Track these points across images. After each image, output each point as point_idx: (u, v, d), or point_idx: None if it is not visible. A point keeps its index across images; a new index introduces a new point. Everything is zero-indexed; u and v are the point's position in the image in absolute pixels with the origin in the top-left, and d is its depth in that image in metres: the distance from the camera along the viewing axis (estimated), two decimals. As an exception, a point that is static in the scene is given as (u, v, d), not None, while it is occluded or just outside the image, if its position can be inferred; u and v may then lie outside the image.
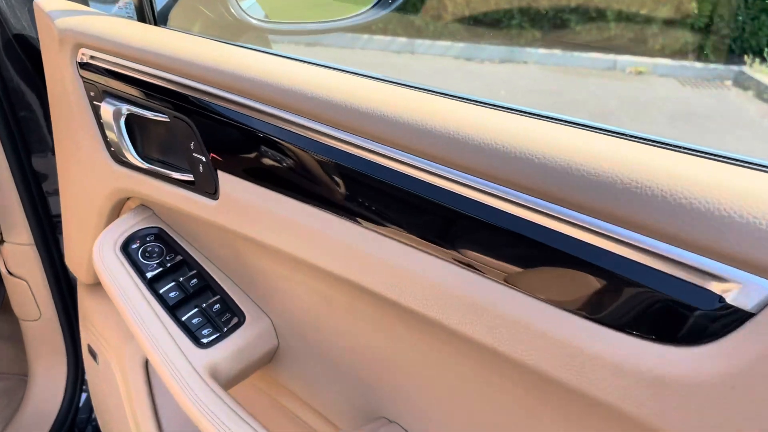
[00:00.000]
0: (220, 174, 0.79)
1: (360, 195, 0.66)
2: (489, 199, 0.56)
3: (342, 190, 0.67)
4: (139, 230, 0.98)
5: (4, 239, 1.49)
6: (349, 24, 1.14)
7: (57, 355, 1.64)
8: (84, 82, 0.98)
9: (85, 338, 1.41)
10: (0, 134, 1.35)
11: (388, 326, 0.73)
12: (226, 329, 0.88)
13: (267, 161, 0.74)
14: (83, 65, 0.97)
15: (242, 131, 0.75)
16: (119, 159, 0.96)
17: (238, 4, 1.07)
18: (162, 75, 0.84)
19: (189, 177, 0.85)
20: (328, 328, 0.82)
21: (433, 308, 0.61)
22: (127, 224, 0.99)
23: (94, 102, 0.98)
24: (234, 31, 1.13)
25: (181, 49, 0.83)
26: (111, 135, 0.94)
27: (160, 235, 0.98)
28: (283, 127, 0.71)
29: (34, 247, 1.49)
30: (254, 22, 1.05)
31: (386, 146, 0.62)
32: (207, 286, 0.93)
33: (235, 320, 0.90)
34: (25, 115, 1.40)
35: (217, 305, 0.91)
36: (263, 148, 0.74)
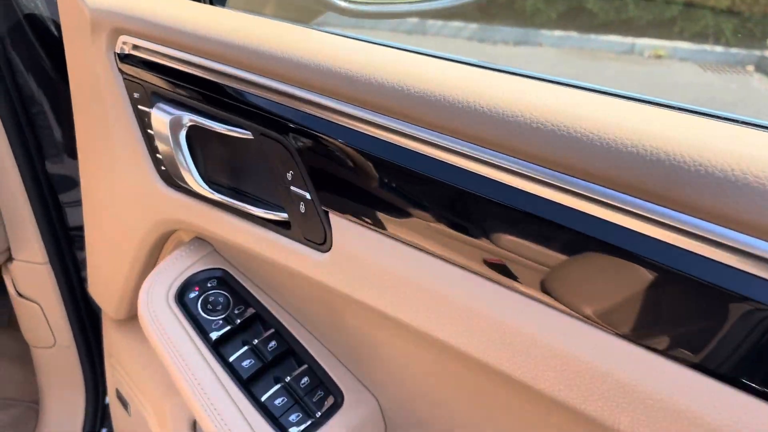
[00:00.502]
0: (333, 218, 0.57)
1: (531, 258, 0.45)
2: None
3: (507, 249, 0.46)
4: (197, 273, 0.76)
5: (14, 256, 1.27)
6: (445, 5, 0.92)
7: (73, 387, 1.43)
8: (125, 79, 0.76)
9: (112, 379, 1.19)
10: (9, 135, 1.12)
11: (528, 417, 0.52)
12: (319, 414, 0.67)
13: (406, 205, 0.51)
14: (124, 58, 0.75)
15: (370, 160, 0.53)
16: (174, 182, 0.74)
17: (316, -22, 0.85)
18: (244, 76, 0.61)
19: (280, 216, 0.63)
20: (453, 415, 0.61)
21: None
22: (182, 264, 0.76)
23: (139, 106, 0.75)
24: (309, 13, 0.90)
25: (270, 40, 0.60)
26: (163, 149, 0.71)
27: (225, 280, 0.76)
28: (438, 157, 0.49)
29: (49, 266, 1.26)
30: (343, 3, 0.82)
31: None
32: (290, 351, 0.71)
33: (330, 400, 0.68)
34: (39, 113, 1.17)
35: (306, 379, 0.69)
36: (401, 184, 0.51)
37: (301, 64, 0.57)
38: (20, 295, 1.32)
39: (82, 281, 1.33)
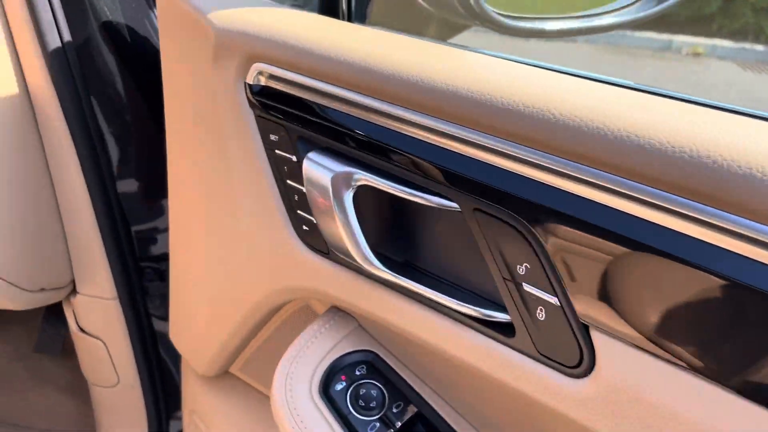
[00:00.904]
0: (597, 335, 0.42)
1: None
2: None
3: None
4: (343, 356, 0.62)
5: (78, 290, 1.14)
6: (625, 20, 0.77)
7: (135, 427, 1.30)
8: (258, 116, 0.61)
9: (192, 435, 1.06)
10: (80, 156, 0.98)
11: None
12: None
13: (729, 330, 0.36)
14: (258, 90, 0.60)
15: (671, 262, 0.38)
16: (320, 247, 0.59)
17: (476, -8, 0.69)
18: (448, 129, 0.46)
19: (494, 316, 0.48)
20: None
21: None
22: (325, 344, 0.62)
23: (277, 151, 0.60)
24: (449, 28, 0.75)
25: (482, 79, 0.45)
26: (315, 208, 0.56)
27: (376, 366, 0.62)
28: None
29: (117, 302, 1.13)
30: (507, 21, 0.67)
31: None
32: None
33: None
34: (114, 136, 1.03)
35: None
36: (724, 300, 0.36)
37: (543, 119, 0.42)
38: (82, 330, 1.19)
39: (150, 317, 1.20)
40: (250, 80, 0.61)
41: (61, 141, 0.97)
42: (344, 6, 0.66)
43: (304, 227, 0.60)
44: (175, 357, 1.27)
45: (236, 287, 0.72)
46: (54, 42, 0.90)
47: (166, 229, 1.23)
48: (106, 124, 1.01)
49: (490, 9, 0.68)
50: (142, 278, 1.17)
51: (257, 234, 0.65)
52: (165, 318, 1.23)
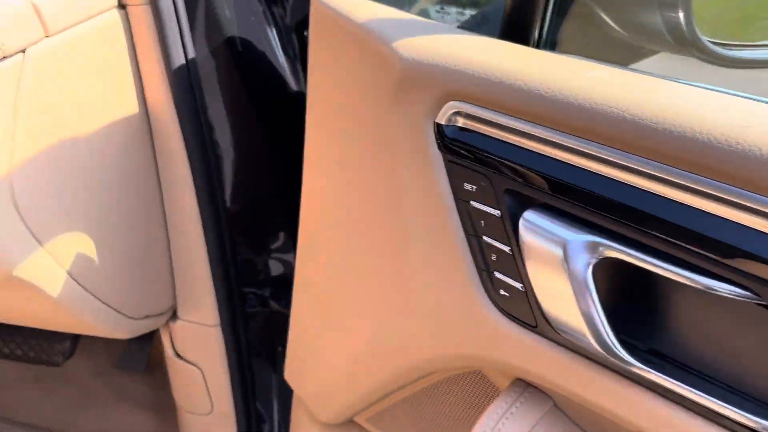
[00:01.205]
0: None
1: None
2: None
3: None
4: (539, 443, 0.53)
5: (179, 315, 1.08)
6: None
7: (225, 456, 1.24)
8: (449, 161, 0.53)
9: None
10: (194, 176, 0.91)
11: None
12: None
13: None
14: (451, 132, 0.52)
15: None
16: (523, 320, 0.51)
17: (687, 15, 0.59)
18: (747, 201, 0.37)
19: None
20: None
21: None
22: (519, 425, 0.53)
23: (473, 203, 0.52)
24: (631, 53, 0.66)
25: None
26: (533, 274, 0.48)
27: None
28: None
29: (219, 329, 1.07)
30: (724, 52, 0.57)
31: None
32: None
33: None
34: (229, 154, 0.96)
35: None
36: None
37: None
38: (179, 356, 1.13)
39: (249, 345, 1.14)
40: (442, 120, 0.52)
41: (176, 161, 0.91)
42: (536, 32, 0.58)
43: (503, 292, 0.52)
44: (271, 388, 1.20)
45: (394, 341, 0.64)
46: (178, 59, 0.83)
47: (270, 254, 1.17)
48: (221, 144, 0.94)
49: (705, 38, 0.59)
50: (245, 305, 1.10)
51: (434, 290, 0.57)
52: (265, 347, 1.17)
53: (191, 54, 0.85)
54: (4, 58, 0.65)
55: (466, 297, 0.53)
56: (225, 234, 0.99)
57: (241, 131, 0.97)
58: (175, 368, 1.15)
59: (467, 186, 0.52)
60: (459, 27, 0.65)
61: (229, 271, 1.02)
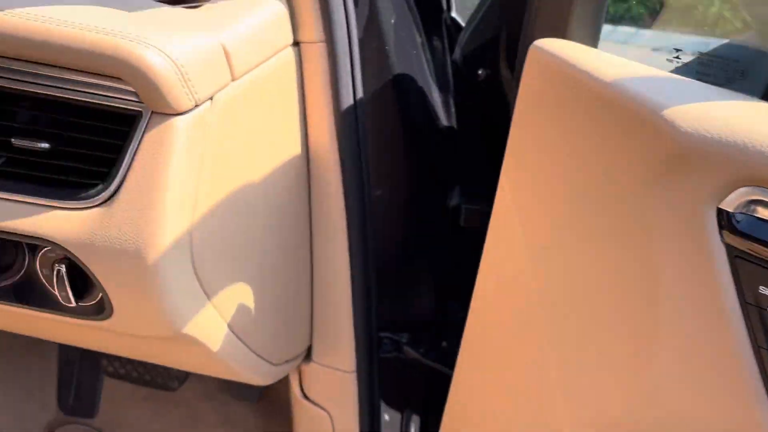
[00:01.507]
0: None
1: None
2: None
3: None
4: None
5: (313, 358, 1.03)
6: None
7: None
8: (736, 257, 0.45)
9: None
10: (349, 220, 0.86)
11: None
12: None
13: None
14: (748, 225, 0.44)
15: None
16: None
17: None
18: None
19: None
20: None
21: None
22: None
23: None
24: None
25: None
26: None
27: None
28: None
29: (355, 375, 1.01)
30: None
31: None
32: None
33: None
34: (384, 198, 0.90)
35: None
36: None
37: None
38: (306, 397, 1.08)
39: (381, 391, 1.08)
40: (730, 207, 0.44)
41: (332, 204, 0.86)
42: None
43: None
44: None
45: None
46: (347, 99, 0.78)
47: (410, 300, 1.11)
48: (378, 190, 0.88)
49: None
50: (379, 349, 1.05)
51: (700, 411, 0.48)
52: (396, 395, 1.11)
53: (359, 94, 0.79)
54: (196, 106, 0.60)
55: (748, 424, 0.45)
56: (372, 280, 0.93)
57: (397, 176, 0.91)
58: (301, 409, 1.10)
59: (764, 290, 0.44)
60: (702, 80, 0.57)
61: (371, 317, 0.97)
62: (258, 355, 0.88)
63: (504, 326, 0.69)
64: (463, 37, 0.83)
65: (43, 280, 0.69)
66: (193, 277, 0.66)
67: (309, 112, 0.80)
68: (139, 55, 0.56)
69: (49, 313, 0.71)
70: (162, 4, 0.69)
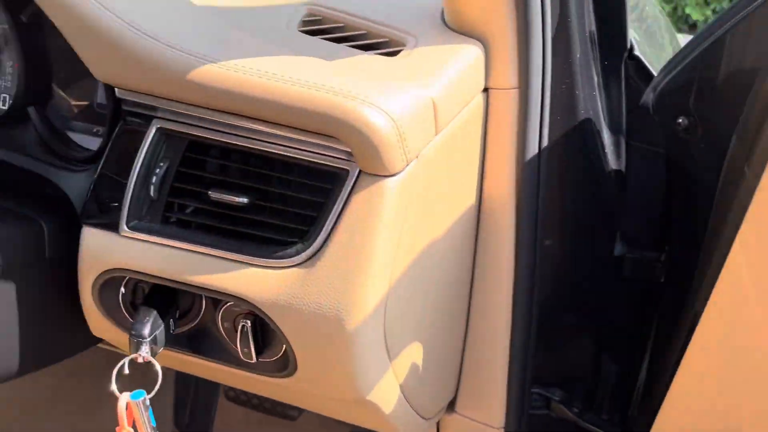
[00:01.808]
0: None
1: None
2: None
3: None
4: None
5: (457, 410, 0.97)
6: None
7: None
8: None
9: None
10: (518, 272, 0.80)
11: None
12: None
13: None
14: None
15: None
16: None
17: None
18: None
19: None
20: None
21: None
22: None
23: None
24: None
25: None
26: None
27: None
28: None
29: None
30: None
31: None
32: None
33: None
34: (557, 251, 0.84)
35: None
36: None
37: None
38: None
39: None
40: None
41: (501, 254, 0.80)
42: None
43: None
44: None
45: None
46: (532, 148, 0.72)
47: (566, 356, 1.04)
48: (548, 242, 0.82)
49: None
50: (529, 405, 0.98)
51: None
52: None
53: (545, 141, 0.74)
54: (408, 164, 0.56)
55: None
56: (533, 332, 0.88)
57: (568, 224, 0.85)
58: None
59: None
60: None
61: (527, 371, 0.91)
62: (416, 411, 0.83)
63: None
64: (660, 81, 0.76)
65: (223, 333, 0.67)
66: (383, 342, 0.62)
67: (489, 157, 0.75)
68: (360, 115, 0.52)
69: (226, 365, 0.68)
70: (357, 50, 0.65)
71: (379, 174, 0.55)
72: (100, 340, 0.82)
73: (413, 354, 0.74)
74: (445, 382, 0.91)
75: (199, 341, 0.70)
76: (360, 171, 0.56)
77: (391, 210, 0.55)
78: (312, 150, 0.57)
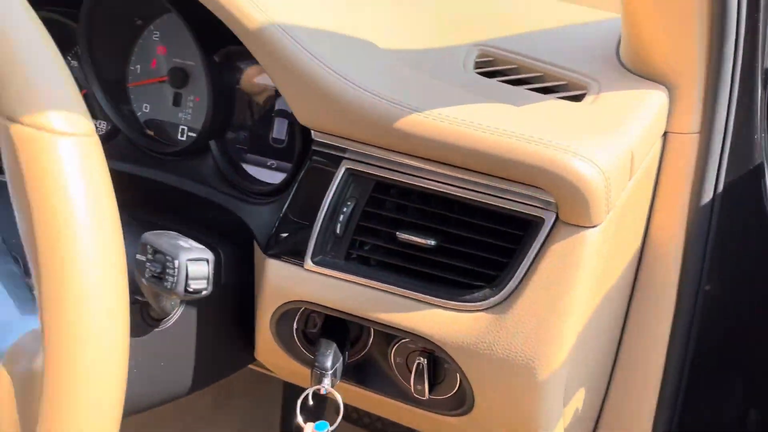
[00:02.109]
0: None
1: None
2: None
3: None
4: None
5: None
6: None
7: None
8: None
9: None
10: (677, 315, 0.78)
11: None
12: None
13: None
14: None
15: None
16: None
17: None
18: None
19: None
20: None
21: None
22: None
23: None
24: None
25: None
26: None
27: None
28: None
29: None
30: None
31: None
32: None
33: None
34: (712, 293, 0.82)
35: None
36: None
37: None
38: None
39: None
40: None
41: (661, 295, 0.78)
42: None
43: None
44: None
45: None
46: (707, 194, 0.71)
47: (705, 400, 1.01)
48: (712, 285, 0.80)
49: None
50: None
51: None
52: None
53: (720, 187, 0.72)
54: (608, 214, 0.56)
55: None
56: (685, 377, 0.85)
57: (732, 275, 0.82)
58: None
59: None
60: None
61: (673, 420, 0.88)
62: None
63: None
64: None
65: (394, 368, 0.68)
66: (564, 384, 0.61)
67: (659, 200, 0.73)
68: (571, 167, 0.53)
69: (394, 400, 0.70)
70: (538, 94, 0.66)
71: (580, 224, 0.55)
72: (251, 362, 0.85)
73: (578, 395, 0.73)
74: (587, 424, 0.90)
75: (365, 373, 0.71)
76: (556, 220, 0.56)
77: (592, 260, 0.55)
78: (506, 197, 0.58)
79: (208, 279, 0.55)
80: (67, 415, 0.39)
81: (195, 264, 0.54)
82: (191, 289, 0.54)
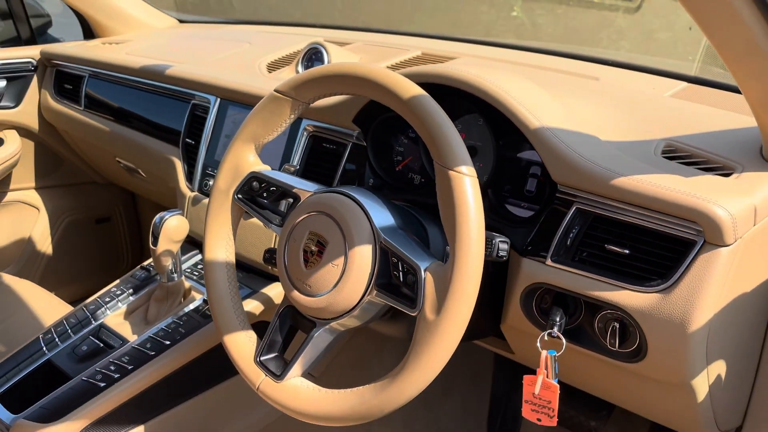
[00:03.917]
0: None
1: None
2: None
3: None
4: None
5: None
6: None
7: None
8: None
9: None
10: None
11: None
12: None
13: None
14: None
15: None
16: None
17: None
18: None
19: None
20: None
21: None
22: None
23: None
24: None
25: None
26: None
27: None
28: None
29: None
30: None
31: None
32: None
33: None
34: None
35: None
36: None
37: None
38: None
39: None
40: None
41: None
42: None
43: None
44: None
45: None
46: None
47: None
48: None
49: None
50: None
51: None
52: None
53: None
54: (734, 241, 0.97)
55: None
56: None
57: None
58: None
59: None
60: None
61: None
62: (713, 416, 1.17)
63: None
64: None
65: (596, 330, 1.12)
66: (705, 348, 1.01)
67: None
68: (714, 211, 0.96)
69: (593, 351, 1.13)
70: (702, 171, 1.08)
71: (718, 244, 0.97)
72: (493, 335, 1.32)
73: (720, 367, 1.10)
74: (735, 408, 1.23)
75: (577, 334, 1.16)
76: (704, 241, 0.98)
77: (725, 267, 0.97)
78: (674, 227, 1.01)
79: (508, 252, 1.05)
80: (462, 296, 0.91)
81: (503, 243, 1.04)
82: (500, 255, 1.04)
